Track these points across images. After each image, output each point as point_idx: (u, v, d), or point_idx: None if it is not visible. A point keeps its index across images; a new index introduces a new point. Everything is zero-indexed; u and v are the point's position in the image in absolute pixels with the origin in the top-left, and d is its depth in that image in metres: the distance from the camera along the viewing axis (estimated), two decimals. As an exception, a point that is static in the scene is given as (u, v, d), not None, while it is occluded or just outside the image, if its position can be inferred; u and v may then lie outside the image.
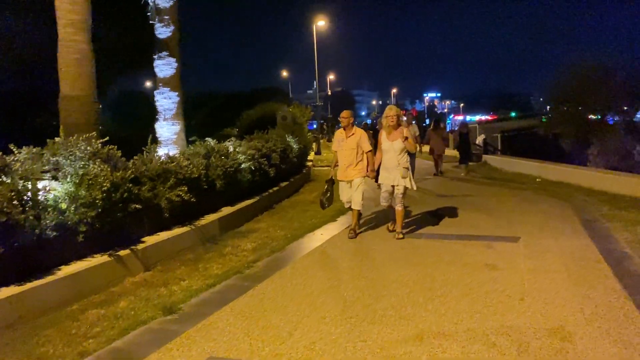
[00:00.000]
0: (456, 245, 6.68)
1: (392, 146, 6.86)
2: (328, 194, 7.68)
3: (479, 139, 21.74)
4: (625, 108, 14.99)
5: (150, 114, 10.26)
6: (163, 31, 9.64)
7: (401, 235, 7.09)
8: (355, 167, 7.30)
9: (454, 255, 6.16)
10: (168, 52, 9.64)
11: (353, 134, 7.33)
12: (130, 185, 6.05)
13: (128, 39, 15.54)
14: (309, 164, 18.58)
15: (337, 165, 7.67)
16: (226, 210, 8.21)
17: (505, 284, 5.06)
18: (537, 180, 13.56)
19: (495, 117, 59.48)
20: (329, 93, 63.60)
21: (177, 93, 9.75)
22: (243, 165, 9.19)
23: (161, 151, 9.44)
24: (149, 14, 9.62)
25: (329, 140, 49.90)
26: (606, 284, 4.96)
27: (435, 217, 8.69)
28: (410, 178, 6.98)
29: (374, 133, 18.92)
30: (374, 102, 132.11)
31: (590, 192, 10.87)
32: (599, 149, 14.53)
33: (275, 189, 11.02)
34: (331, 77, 64.94)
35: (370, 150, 7.30)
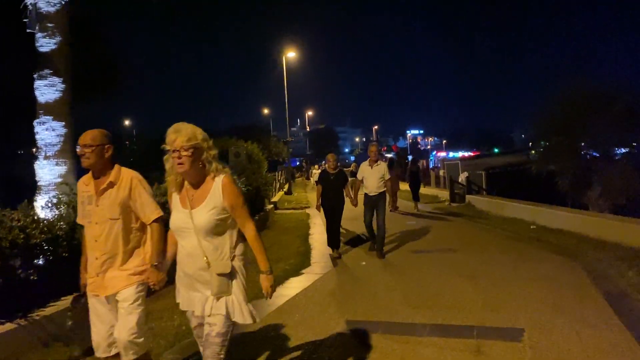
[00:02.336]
0: (427, 351, 4.28)
1: (193, 222, 2.78)
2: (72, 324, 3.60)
3: (462, 177, 19.61)
4: (634, 143, 12.92)
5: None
6: (45, 42, 7.32)
7: None
8: (124, 267, 3.22)
9: (423, 377, 3.77)
10: (52, 69, 7.33)
11: (110, 183, 3.22)
12: None
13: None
14: (269, 206, 16.30)
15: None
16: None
17: None
18: (532, 227, 11.31)
19: (478, 154, 57.86)
20: (308, 129, 62.24)
21: (63, 123, 7.37)
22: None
23: (41, 200, 7.07)
24: (26, 20, 7.37)
25: (307, 178, 47.89)
26: None
27: (398, 289, 6.34)
28: (241, 300, 2.80)
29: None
30: (357, 139, 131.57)
31: (601, 245, 8.62)
32: (601, 189, 12.37)
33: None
34: (310, 113, 63.65)
35: (158, 219, 3.25)
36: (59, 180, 7.36)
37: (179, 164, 2.74)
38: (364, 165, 8.97)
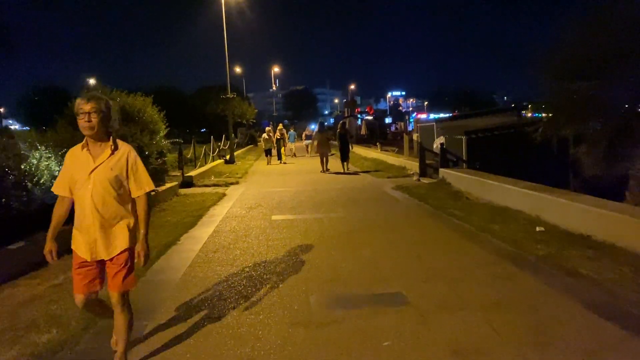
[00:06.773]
0: None
1: None
2: None
3: (436, 144, 15.21)
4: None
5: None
6: None
7: None
8: None
9: None
10: None
11: None
12: None
13: None
14: (168, 185, 11.88)
15: None
16: None
17: None
18: (538, 229, 6.98)
19: (457, 114, 52.78)
20: (274, 88, 57.34)
21: None
22: None
23: None
24: None
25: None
26: None
27: None
28: None
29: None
30: (336, 101, 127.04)
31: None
32: (648, 165, 7.93)
33: None
34: (276, 70, 58.35)
35: None
36: None
37: None
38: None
